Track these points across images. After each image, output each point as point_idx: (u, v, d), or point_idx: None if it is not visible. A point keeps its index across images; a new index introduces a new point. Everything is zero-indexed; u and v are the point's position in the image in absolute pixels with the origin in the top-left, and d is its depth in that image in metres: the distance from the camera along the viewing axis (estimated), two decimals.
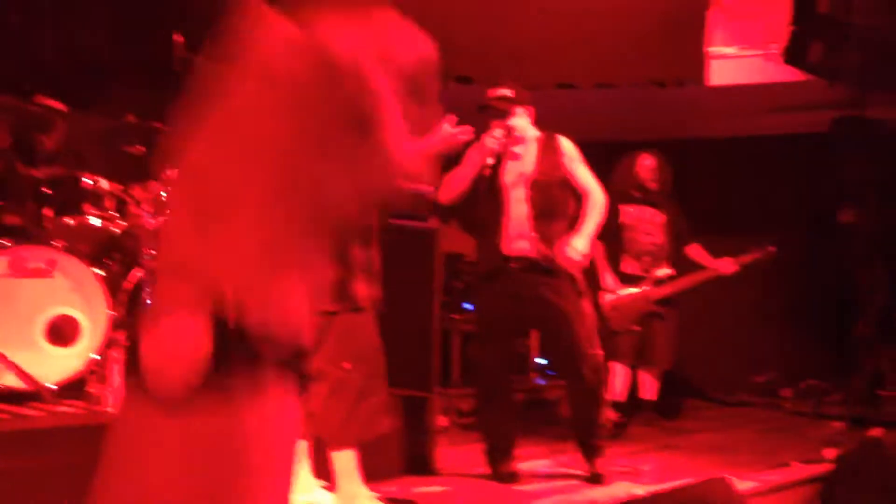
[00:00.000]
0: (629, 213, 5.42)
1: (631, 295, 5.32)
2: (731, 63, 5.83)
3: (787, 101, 6.19)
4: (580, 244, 4.05)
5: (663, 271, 5.36)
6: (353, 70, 1.72)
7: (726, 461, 4.47)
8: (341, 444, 3.18)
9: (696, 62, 5.79)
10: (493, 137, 4.05)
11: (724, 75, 5.83)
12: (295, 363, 1.79)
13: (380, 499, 3.29)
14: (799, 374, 6.90)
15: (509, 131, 4.08)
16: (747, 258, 5.28)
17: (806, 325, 6.99)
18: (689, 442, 5.19)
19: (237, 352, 1.65)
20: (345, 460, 3.19)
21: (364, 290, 3.20)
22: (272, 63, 1.73)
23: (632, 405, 5.47)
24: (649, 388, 5.49)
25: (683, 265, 5.45)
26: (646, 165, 5.40)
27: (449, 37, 5.97)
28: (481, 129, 4.30)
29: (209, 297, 1.61)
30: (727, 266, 5.30)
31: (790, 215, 6.92)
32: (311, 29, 1.72)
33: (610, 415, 4.14)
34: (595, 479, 4.03)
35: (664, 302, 5.36)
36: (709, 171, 7.03)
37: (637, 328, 5.33)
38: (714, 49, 5.82)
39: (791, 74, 5.53)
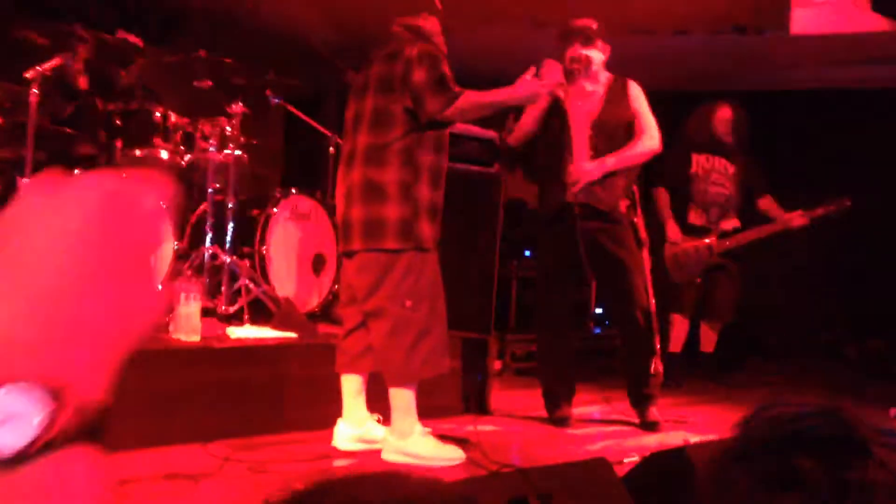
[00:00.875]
0: (700, 162, 5.29)
1: (695, 246, 5.21)
2: (816, 10, 5.56)
3: (876, 51, 5.89)
4: (589, 167, 3.97)
5: (730, 223, 5.24)
6: None
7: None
8: (400, 382, 3.21)
9: (779, 8, 5.54)
10: (570, 59, 3.96)
11: (809, 23, 5.57)
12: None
13: (434, 434, 3.32)
14: (863, 333, 6.72)
15: (588, 62, 3.98)
16: (818, 212, 5.07)
17: (872, 283, 6.76)
18: (746, 397, 5.10)
19: None
20: (402, 397, 3.21)
21: (429, 230, 3.21)
22: None
23: (690, 358, 5.41)
24: (708, 341, 5.41)
25: (756, 219, 5.30)
26: (722, 117, 5.26)
27: None
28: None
29: None
30: (796, 219, 5.11)
31: (872, 172, 6.64)
32: None
33: (658, 366, 4.09)
34: (648, 427, 4.02)
35: (729, 255, 5.23)
36: (790, 125, 6.79)
37: (698, 280, 5.23)
38: None
39: (880, 23, 5.25)
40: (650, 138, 4.08)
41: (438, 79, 3.14)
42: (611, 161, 4.00)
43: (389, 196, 3.14)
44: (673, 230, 5.25)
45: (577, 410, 4.22)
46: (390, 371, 3.20)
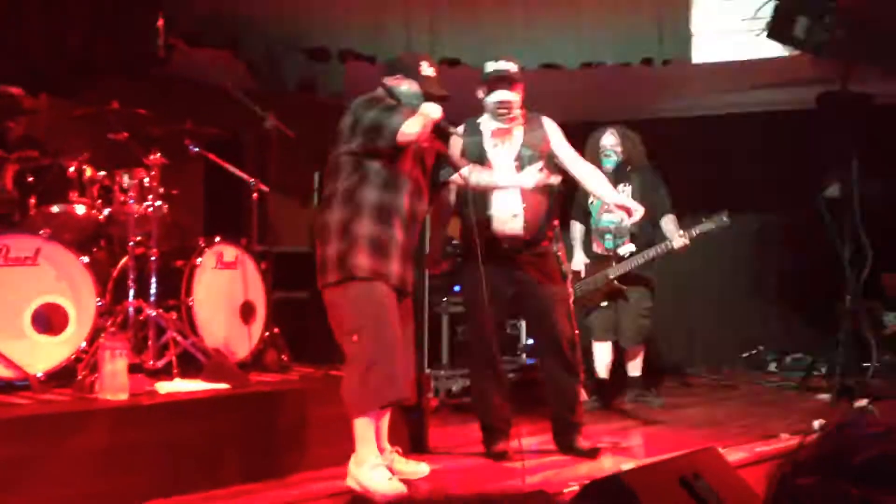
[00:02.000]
0: None
1: (593, 275, 5.41)
2: (716, 39, 5.81)
3: (772, 77, 6.18)
4: (618, 198, 4.22)
5: (626, 248, 5.34)
6: None
7: (714, 434, 4.50)
8: (355, 413, 3.35)
9: (683, 39, 5.77)
10: (494, 109, 4.08)
11: (709, 52, 5.82)
12: None
13: (388, 467, 3.43)
14: (785, 348, 6.97)
15: (512, 107, 4.08)
16: (697, 230, 5.15)
17: (792, 299, 7.04)
18: (675, 417, 5.23)
19: None
20: (359, 427, 3.36)
21: (367, 261, 3.35)
22: None
23: (617, 382, 5.51)
24: (633, 366, 5.53)
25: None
26: (609, 144, 5.39)
27: (436, 20, 5.99)
28: (464, 111, 4.31)
29: None
30: (676, 240, 5.18)
31: (776, 191, 6.94)
32: None
33: (584, 393, 4.20)
34: (580, 454, 4.07)
35: (631, 279, 5.35)
36: (695, 149, 7.05)
37: (604, 306, 5.41)
38: (699, 26, 5.81)
39: (775, 50, 5.52)
40: (582, 165, 4.25)
41: (380, 116, 3.42)
42: (613, 196, 4.26)
43: (331, 234, 3.39)
44: (576, 261, 5.48)
45: (515, 443, 4.24)
46: (347, 402, 3.37)
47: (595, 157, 5.29)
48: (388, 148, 3.41)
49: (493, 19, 5.79)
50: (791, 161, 6.69)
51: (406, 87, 3.61)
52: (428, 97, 3.56)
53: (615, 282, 5.35)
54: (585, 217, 5.54)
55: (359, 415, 3.35)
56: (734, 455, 3.80)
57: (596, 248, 5.48)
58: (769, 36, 5.30)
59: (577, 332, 4.23)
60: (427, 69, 3.65)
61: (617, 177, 5.29)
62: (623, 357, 5.53)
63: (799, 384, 6.09)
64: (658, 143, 5.76)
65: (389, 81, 3.64)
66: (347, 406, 3.37)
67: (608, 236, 5.42)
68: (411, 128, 3.38)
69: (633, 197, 5.18)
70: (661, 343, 6.26)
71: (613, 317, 5.42)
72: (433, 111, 3.45)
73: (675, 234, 5.22)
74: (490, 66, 4.13)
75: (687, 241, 5.17)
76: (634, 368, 5.54)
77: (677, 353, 7.07)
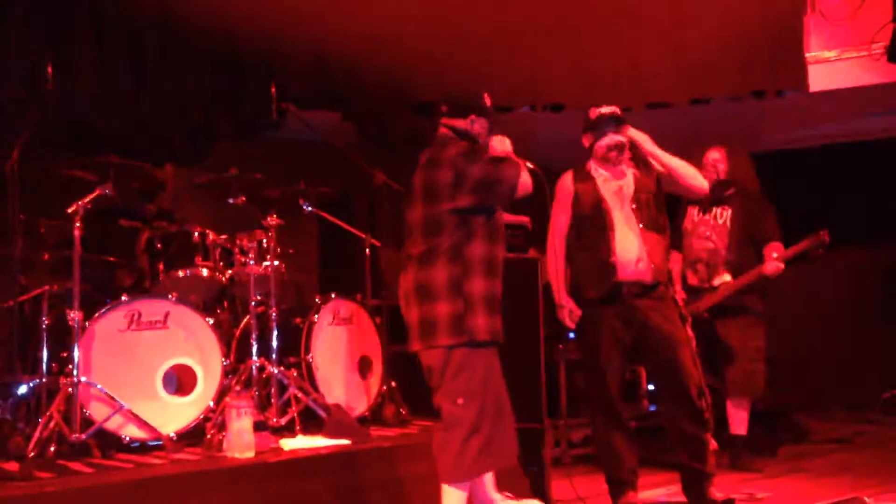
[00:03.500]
0: (692, 216, 5.01)
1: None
2: (833, 67, 5.60)
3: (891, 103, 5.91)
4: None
5: (720, 279, 4.82)
6: None
7: (856, 483, 4.23)
8: (450, 479, 3.20)
9: (797, 69, 5.59)
10: (607, 147, 4.04)
11: (827, 80, 5.61)
12: None
13: None
14: None
15: (623, 148, 4.06)
16: (790, 252, 4.68)
17: None
18: (813, 465, 4.94)
19: None
20: (452, 495, 3.20)
21: (483, 322, 3.22)
22: None
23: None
24: (734, 419, 4.85)
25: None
26: (710, 160, 4.95)
27: (539, 65, 6.00)
28: (570, 156, 4.29)
29: None
30: (770, 265, 4.70)
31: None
32: None
33: (713, 442, 3.99)
34: None
35: (732, 313, 4.78)
36: (815, 179, 6.78)
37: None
38: (814, 54, 5.62)
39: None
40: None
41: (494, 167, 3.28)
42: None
43: (439, 294, 3.21)
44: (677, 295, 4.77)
45: (644, 494, 4.10)
46: (442, 468, 3.22)
47: None
48: (505, 203, 3.36)
49: (597, 61, 5.75)
50: None
51: (479, 126, 3.44)
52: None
53: (708, 316, 4.82)
54: (679, 243, 4.99)
55: (452, 482, 3.20)
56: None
57: (691, 280, 4.98)
58: (889, 59, 5.07)
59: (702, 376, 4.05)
60: (488, 101, 3.53)
61: (715, 195, 4.82)
62: (724, 409, 4.83)
63: None
64: (769, 173, 5.54)
65: (462, 124, 3.44)
66: (440, 469, 3.22)
67: (700, 266, 4.95)
68: (526, 180, 3.31)
69: (735, 221, 4.88)
70: (789, 385, 5.94)
71: (713, 360, 4.77)
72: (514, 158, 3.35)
73: (768, 261, 4.73)
74: (594, 112, 4.12)
75: (780, 265, 4.67)
76: (738, 425, 4.83)
77: (809, 394, 6.71)
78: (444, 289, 3.21)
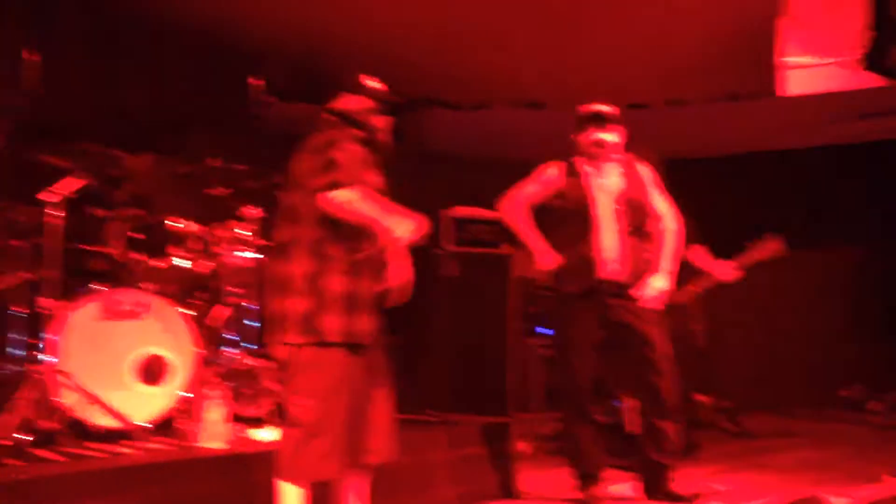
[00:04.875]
0: None
1: None
2: (807, 72, 5.69)
3: (868, 107, 6.01)
4: (660, 283, 4.06)
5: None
6: None
7: (816, 479, 4.34)
8: (285, 477, 3.05)
9: (769, 74, 5.68)
10: (587, 148, 4.08)
11: (800, 85, 5.70)
12: None
13: None
14: (887, 387, 6.66)
15: (606, 146, 4.11)
16: (748, 257, 4.87)
17: (892, 335, 6.74)
18: (775, 461, 5.05)
19: None
20: (287, 493, 3.05)
21: (337, 323, 3.02)
22: None
23: None
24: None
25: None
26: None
27: (520, 64, 6.05)
28: (552, 155, 4.35)
29: None
30: (726, 272, 4.92)
31: (878, 224, 6.70)
32: None
33: (676, 435, 4.08)
34: (677, 500, 3.99)
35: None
36: (789, 184, 6.89)
37: None
38: (788, 59, 5.70)
39: (870, 80, 5.37)
40: (672, 220, 4.19)
41: (325, 164, 2.99)
42: (666, 265, 4.12)
43: (293, 289, 3.04)
44: None
45: (609, 488, 4.19)
46: (280, 463, 3.05)
47: None
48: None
49: (578, 62, 5.82)
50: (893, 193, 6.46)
51: (359, 105, 3.24)
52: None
53: None
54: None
55: (285, 479, 3.04)
56: (838, 502, 3.68)
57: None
58: (865, 67, 5.16)
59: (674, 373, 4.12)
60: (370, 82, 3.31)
61: None
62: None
63: None
64: (748, 176, 5.64)
65: (342, 105, 3.24)
66: (278, 464, 3.04)
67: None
68: (358, 208, 2.98)
69: None
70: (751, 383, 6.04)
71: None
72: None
73: (724, 265, 4.94)
74: (585, 108, 4.18)
75: (740, 272, 4.87)
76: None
77: (770, 392, 6.83)
78: (298, 284, 3.03)
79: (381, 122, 3.28)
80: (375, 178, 3.18)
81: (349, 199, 2.94)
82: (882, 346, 6.87)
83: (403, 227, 2.92)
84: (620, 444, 4.81)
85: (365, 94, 3.26)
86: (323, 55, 5.45)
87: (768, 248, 4.85)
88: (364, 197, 2.97)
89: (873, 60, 5.16)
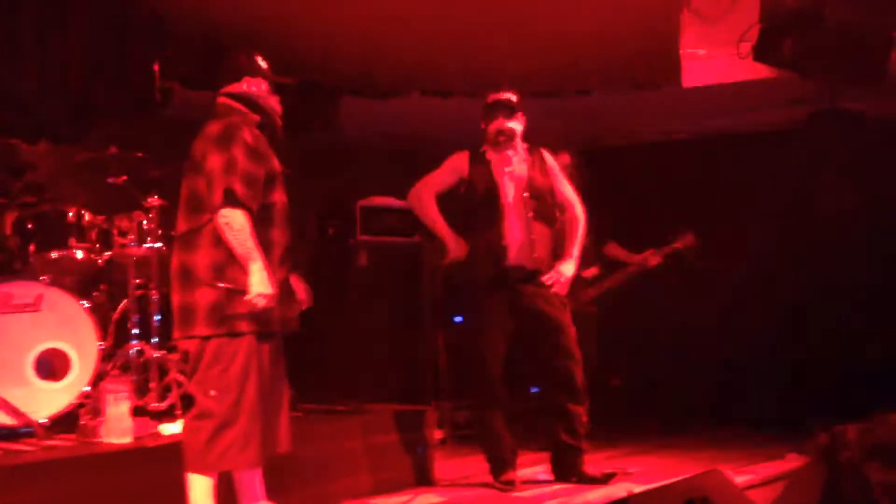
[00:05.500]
0: None
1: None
2: (705, 63, 5.87)
3: (762, 98, 6.23)
4: (567, 269, 4.12)
5: (589, 272, 5.24)
6: None
7: (718, 457, 4.49)
8: (196, 469, 3.00)
9: (672, 64, 5.83)
10: (494, 138, 4.10)
11: (699, 76, 5.87)
12: None
13: None
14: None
15: (513, 134, 4.15)
16: (669, 248, 5.18)
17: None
18: (680, 441, 5.21)
19: None
20: (197, 485, 3.00)
21: (244, 312, 2.96)
22: None
23: None
24: None
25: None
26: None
27: (427, 51, 6.05)
28: (458, 142, 4.36)
29: None
30: (651, 258, 5.21)
31: (769, 211, 6.94)
32: None
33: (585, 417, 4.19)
34: (592, 481, 4.07)
35: (594, 303, 5.26)
36: (688, 171, 7.07)
37: None
38: (688, 50, 5.86)
39: (764, 72, 5.57)
40: (579, 208, 4.27)
41: (225, 167, 2.93)
42: (576, 252, 4.18)
43: (200, 279, 2.97)
44: None
45: (522, 472, 4.24)
46: (188, 456, 3.01)
47: None
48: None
49: (485, 50, 5.85)
50: (786, 181, 6.70)
51: (255, 87, 3.18)
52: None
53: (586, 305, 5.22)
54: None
55: (196, 471, 2.98)
56: (740, 478, 3.81)
57: None
58: (756, 58, 5.34)
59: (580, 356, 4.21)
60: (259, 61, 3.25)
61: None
62: None
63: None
64: (650, 167, 5.79)
65: (236, 88, 3.17)
66: (186, 457, 2.99)
67: None
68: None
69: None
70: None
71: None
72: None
73: (645, 254, 5.22)
74: (491, 97, 4.21)
75: (661, 259, 5.16)
76: None
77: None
78: (204, 274, 2.96)
79: (276, 103, 3.23)
80: (274, 162, 3.12)
81: (236, 229, 2.90)
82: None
83: (257, 282, 2.90)
84: (532, 428, 4.90)
85: (260, 76, 3.20)
86: (227, 40, 5.32)
87: (684, 239, 5.13)
88: (247, 231, 2.91)
89: (765, 51, 5.35)
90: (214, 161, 2.95)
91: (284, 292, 3.10)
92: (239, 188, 2.91)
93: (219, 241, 2.95)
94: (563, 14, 5.71)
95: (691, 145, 7.22)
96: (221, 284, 2.96)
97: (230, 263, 2.95)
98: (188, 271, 2.99)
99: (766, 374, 6.37)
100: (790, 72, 5.31)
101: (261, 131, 3.11)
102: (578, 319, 4.82)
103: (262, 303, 2.94)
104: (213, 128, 3.03)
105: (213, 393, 2.95)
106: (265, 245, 3.00)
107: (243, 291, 2.93)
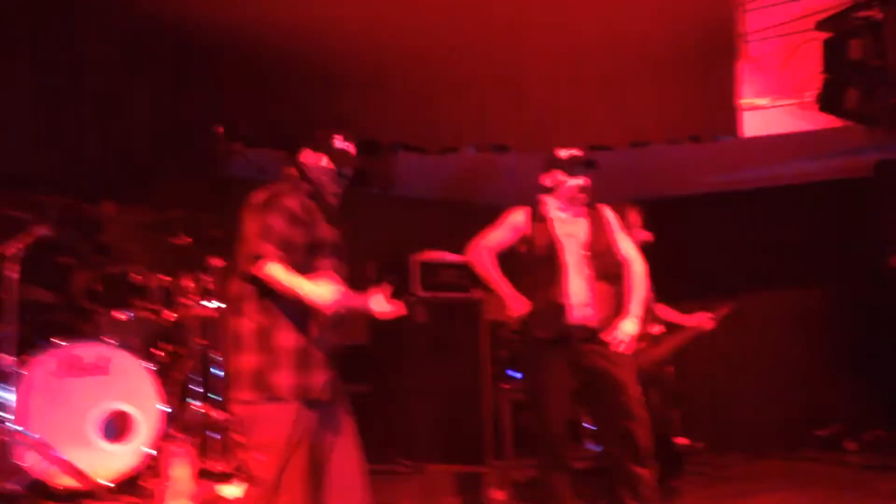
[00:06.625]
0: None
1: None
2: (765, 113, 5.80)
3: (826, 147, 6.13)
4: (630, 327, 4.04)
5: (656, 328, 5.10)
6: None
7: None
8: None
9: (730, 115, 5.77)
10: (574, 194, 4.07)
11: (759, 126, 5.80)
12: None
13: None
14: (863, 426, 6.69)
15: (584, 190, 4.12)
16: (721, 312, 5.13)
17: (865, 374, 6.78)
18: (749, 503, 5.03)
19: None
20: None
21: (290, 379, 2.96)
22: None
23: None
24: None
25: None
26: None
27: (483, 106, 6.08)
28: (518, 198, 4.34)
29: None
30: (706, 321, 5.13)
31: (839, 263, 6.78)
32: None
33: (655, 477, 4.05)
34: None
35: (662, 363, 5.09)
36: (751, 223, 6.96)
37: None
38: (746, 101, 5.81)
39: (827, 121, 5.48)
40: (639, 264, 4.20)
41: (261, 232, 2.94)
42: (637, 310, 4.10)
43: (245, 345, 2.98)
44: None
45: None
46: None
47: None
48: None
49: (540, 103, 5.86)
50: (853, 231, 6.55)
51: (312, 160, 3.19)
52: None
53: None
54: None
55: None
56: None
57: None
58: (820, 108, 5.26)
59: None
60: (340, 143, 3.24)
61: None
62: None
63: (879, 464, 5.83)
64: (709, 216, 5.68)
65: (302, 158, 3.21)
66: None
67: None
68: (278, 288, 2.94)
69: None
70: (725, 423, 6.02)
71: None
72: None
73: (701, 317, 5.17)
74: (564, 152, 4.18)
75: (714, 324, 5.10)
76: None
77: (745, 434, 6.82)
78: (249, 340, 2.97)
79: (335, 187, 3.21)
80: (328, 231, 3.12)
81: (271, 274, 2.89)
82: (857, 384, 6.89)
83: (323, 295, 2.86)
84: (596, 489, 4.77)
85: (323, 151, 3.20)
86: (289, 100, 5.42)
87: (732, 307, 5.10)
88: (283, 269, 2.89)
89: (829, 102, 5.27)
90: (251, 227, 2.97)
91: (331, 358, 3.07)
92: (272, 251, 2.91)
93: (262, 307, 2.97)
94: (618, 67, 5.72)
95: (749, 196, 7.12)
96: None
97: (273, 328, 2.96)
98: (236, 335, 3.01)
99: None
100: (855, 122, 5.23)
101: (312, 200, 3.12)
102: (653, 380, 4.91)
103: (331, 307, 2.88)
104: (258, 196, 3.06)
105: (258, 457, 2.94)
106: (307, 310, 2.96)
107: (288, 356, 2.94)
